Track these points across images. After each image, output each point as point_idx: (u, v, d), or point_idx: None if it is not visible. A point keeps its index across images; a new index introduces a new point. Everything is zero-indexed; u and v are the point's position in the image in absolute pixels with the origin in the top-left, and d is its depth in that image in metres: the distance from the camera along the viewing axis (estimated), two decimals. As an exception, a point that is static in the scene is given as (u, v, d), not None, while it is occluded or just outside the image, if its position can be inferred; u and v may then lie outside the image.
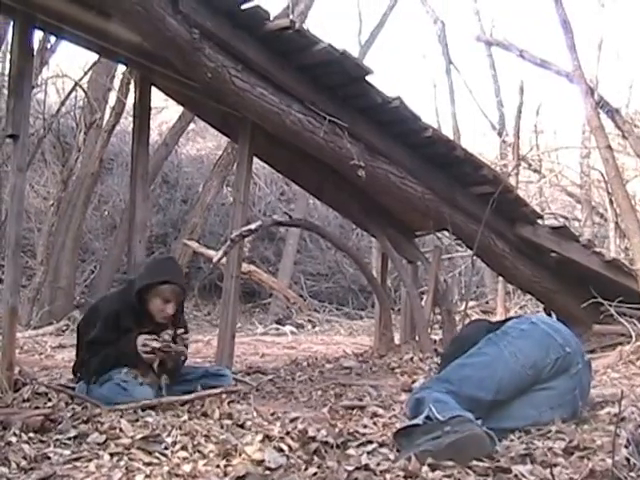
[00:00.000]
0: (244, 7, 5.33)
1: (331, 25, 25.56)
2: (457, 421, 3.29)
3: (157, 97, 7.18)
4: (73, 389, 4.68)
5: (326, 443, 3.45)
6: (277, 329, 12.49)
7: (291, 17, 6.72)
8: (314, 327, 13.35)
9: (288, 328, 12.37)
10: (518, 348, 3.89)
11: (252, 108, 5.77)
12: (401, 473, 2.97)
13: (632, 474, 2.82)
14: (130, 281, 4.97)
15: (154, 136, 15.92)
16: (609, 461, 2.86)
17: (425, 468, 2.99)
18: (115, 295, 5.12)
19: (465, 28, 35.21)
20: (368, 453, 3.37)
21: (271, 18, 5.59)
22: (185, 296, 5.02)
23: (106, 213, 16.19)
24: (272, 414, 4.32)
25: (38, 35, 8.73)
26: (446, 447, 3.15)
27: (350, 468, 3.03)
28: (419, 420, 3.42)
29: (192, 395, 4.43)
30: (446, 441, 3.18)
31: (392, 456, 3.33)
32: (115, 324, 4.70)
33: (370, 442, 3.61)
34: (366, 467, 3.08)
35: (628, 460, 2.94)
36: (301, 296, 15.24)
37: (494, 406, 3.77)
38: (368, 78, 6.15)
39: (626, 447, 3.06)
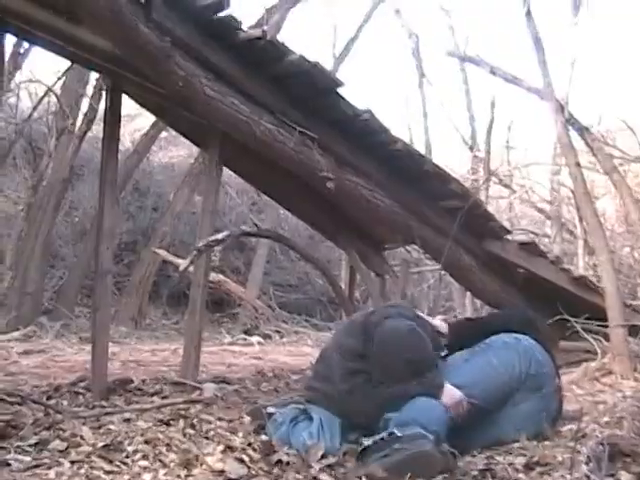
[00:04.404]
0: (216, 16, 5.33)
1: (306, 37, 25.61)
2: (408, 437, 3.29)
3: (130, 104, 7.12)
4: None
5: (288, 455, 3.44)
6: (244, 339, 12.45)
7: (265, 27, 6.72)
8: (282, 338, 13.31)
9: (255, 338, 12.34)
10: (505, 359, 3.93)
11: (222, 117, 5.76)
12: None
13: (592, 490, 2.84)
14: None
15: (126, 143, 15.89)
16: (569, 477, 2.87)
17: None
18: None
19: (439, 43, 35.37)
20: (329, 466, 3.37)
21: (244, 28, 5.60)
22: None
23: (76, 219, 16.10)
24: (235, 424, 4.32)
25: (11, 40, 8.67)
26: (394, 464, 3.15)
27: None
28: (376, 439, 3.43)
29: (155, 404, 4.42)
30: (394, 459, 3.19)
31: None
32: None
33: (333, 455, 3.61)
34: (323, 480, 3.09)
35: (588, 477, 2.96)
36: (269, 306, 15.24)
37: (484, 414, 3.79)
38: (339, 90, 6.17)
39: (586, 464, 3.09)
